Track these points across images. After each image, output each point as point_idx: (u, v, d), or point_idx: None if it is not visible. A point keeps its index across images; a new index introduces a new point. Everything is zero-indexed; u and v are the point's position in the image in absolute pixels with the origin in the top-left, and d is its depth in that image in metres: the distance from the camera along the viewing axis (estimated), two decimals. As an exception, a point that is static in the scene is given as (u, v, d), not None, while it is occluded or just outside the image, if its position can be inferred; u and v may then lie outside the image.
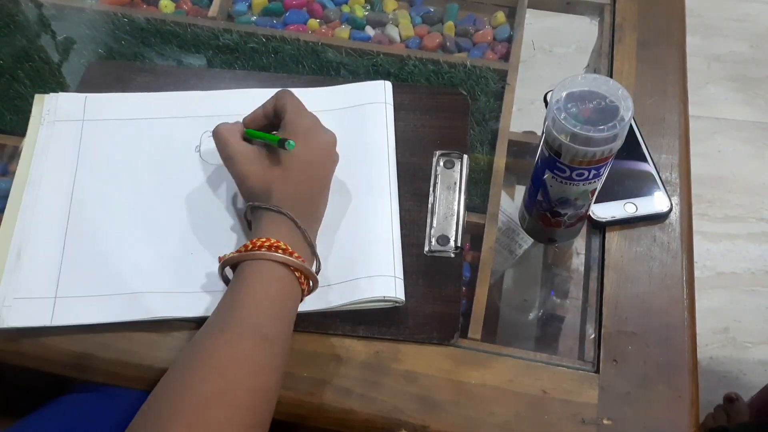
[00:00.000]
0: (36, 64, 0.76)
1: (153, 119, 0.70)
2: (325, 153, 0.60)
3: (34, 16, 0.80)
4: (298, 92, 0.66)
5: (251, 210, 0.58)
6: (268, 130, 0.62)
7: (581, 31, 0.99)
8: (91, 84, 0.73)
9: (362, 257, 0.61)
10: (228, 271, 0.56)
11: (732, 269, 1.48)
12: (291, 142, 0.56)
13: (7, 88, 0.74)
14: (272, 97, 0.62)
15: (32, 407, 0.60)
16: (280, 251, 0.53)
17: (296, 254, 0.54)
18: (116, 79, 0.73)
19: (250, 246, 0.54)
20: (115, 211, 0.65)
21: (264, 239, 0.54)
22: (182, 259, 0.62)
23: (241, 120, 0.63)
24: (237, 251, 0.55)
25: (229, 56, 0.77)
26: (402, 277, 0.60)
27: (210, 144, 0.66)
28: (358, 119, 0.69)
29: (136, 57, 0.77)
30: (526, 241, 0.73)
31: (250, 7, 0.84)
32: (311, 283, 0.56)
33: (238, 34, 0.78)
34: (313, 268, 0.57)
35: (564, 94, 0.52)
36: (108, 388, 0.58)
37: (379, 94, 0.71)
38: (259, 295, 0.52)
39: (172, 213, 0.65)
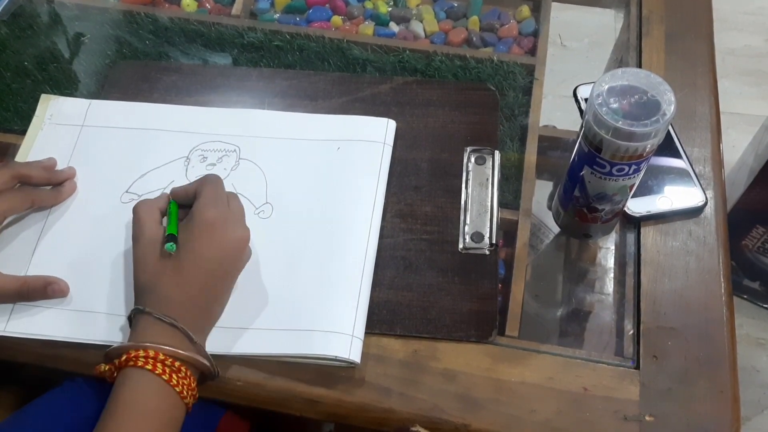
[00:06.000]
0: (61, 65, 0.76)
1: (148, 130, 0.68)
2: (231, 252, 0.55)
3: (58, 17, 0.80)
4: (287, 116, 0.66)
5: (134, 314, 0.53)
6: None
7: (594, 26, 0.98)
8: (117, 83, 0.73)
9: (322, 308, 0.57)
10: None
11: (746, 264, 1.47)
12: (173, 244, 0.53)
13: (33, 90, 0.73)
14: (201, 177, 0.58)
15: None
16: (159, 364, 0.50)
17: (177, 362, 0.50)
18: (142, 78, 0.73)
19: (124, 359, 0.50)
20: (90, 222, 0.63)
21: (142, 350, 0.50)
22: None
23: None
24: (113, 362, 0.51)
25: (254, 54, 0.76)
26: (362, 336, 0.56)
27: (197, 162, 0.66)
28: (350, 156, 0.66)
29: (161, 57, 0.76)
30: (548, 236, 0.72)
31: (272, 4, 0.83)
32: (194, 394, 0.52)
33: (262, 33, 0.77)
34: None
35: (605, 88, 0.52)
36: None
37: (379, 133, 0.67)
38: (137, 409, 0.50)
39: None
